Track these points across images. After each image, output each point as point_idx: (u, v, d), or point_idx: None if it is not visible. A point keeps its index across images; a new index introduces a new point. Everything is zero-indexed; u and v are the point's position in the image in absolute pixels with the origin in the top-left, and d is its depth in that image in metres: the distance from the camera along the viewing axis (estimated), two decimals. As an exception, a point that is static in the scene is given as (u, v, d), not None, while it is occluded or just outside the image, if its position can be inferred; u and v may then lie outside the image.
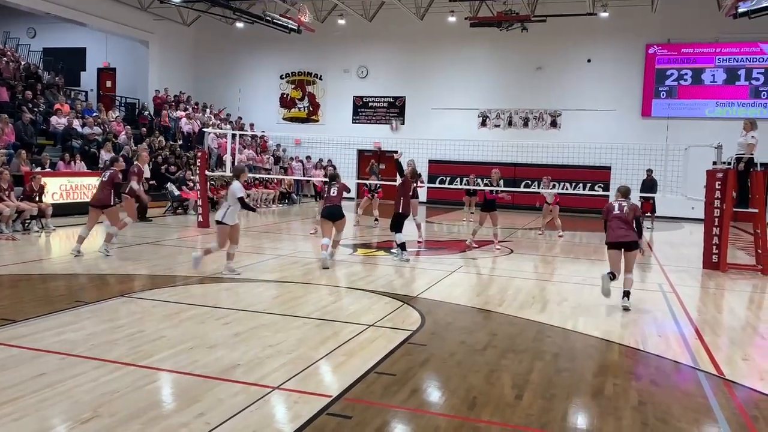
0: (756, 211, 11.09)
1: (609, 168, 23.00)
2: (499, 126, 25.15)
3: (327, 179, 10.73)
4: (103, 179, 10.25)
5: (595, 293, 8.80)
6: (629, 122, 23.39)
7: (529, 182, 23.60)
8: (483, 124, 25.31)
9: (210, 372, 4.88)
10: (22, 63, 21.59)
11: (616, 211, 7.99)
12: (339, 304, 7.50)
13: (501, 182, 13.21)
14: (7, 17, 26.46)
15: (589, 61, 23.97)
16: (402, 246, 10.76)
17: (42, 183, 13.09)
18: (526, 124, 24.85)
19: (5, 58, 20.32)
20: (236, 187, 8.80)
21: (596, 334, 6.50)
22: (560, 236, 15.40)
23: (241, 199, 8.79)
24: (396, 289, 8.38)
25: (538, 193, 16.41)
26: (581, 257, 12.83)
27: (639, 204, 17.70)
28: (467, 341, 6.03)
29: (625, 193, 8.15)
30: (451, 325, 6.67)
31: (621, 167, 22.37)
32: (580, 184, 23.44)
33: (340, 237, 10.39)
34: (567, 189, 23.14)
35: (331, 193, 10.14)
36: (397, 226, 10.82)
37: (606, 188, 23.04)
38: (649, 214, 18.70)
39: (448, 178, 24.90)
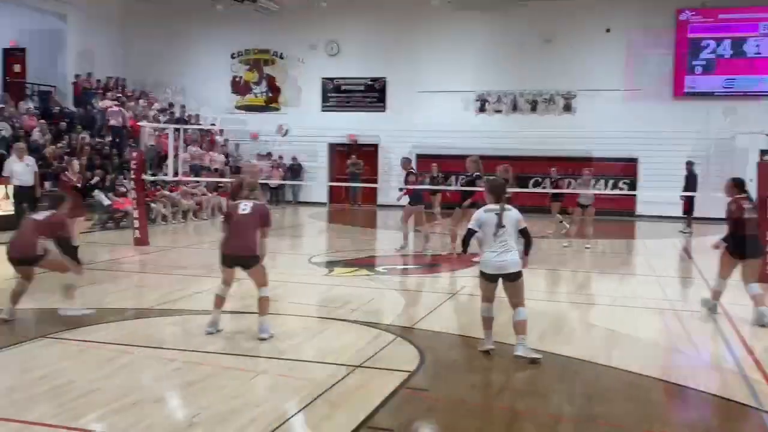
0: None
1: (635, 160, 23.19)
2: (500, 111, 25.20)
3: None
4: (38, 218, 8.38)
5: (629, 317, 8.80)
6: (659, 104, 23.50)
7: (540, 179, 23.65)
8: (481, 109, 25.37)
9: (159, 434, 4.76)
10: None
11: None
12: (316, 339, 7.40)
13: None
14: None
15: (608, 31, 24.07)
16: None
17: None
18: (534, 109, 24.93)
19: None
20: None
21: (634, 369, 6.48)
22: (588, 247, 15.05)
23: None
24: (385, 319, 8.30)
25: (552, 193, 16.48)
26: (608, 271, 12.87)
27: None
28: (478, 383, 5.97)
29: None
30: (457, 363, 6.61)
31: (650, 159, 22.65)
32: (601, 181, 23.54)
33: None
34: (594, 186, 23.26)
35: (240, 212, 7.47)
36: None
37: (632, 185, 23.19)
38: (685, 215, 18.86)
39: (440, 176, 24.86)
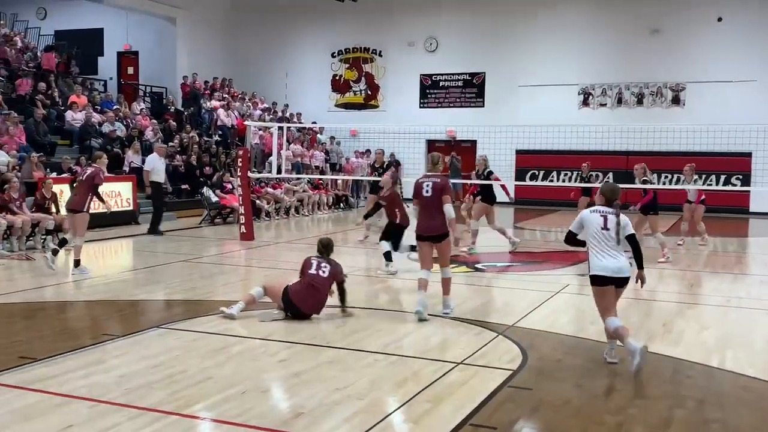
0: None
1: (749, 155, 22.07)
2: (605, 105, 24.64)
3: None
4: (81, 179, 10.66)
5: (743, 318, 8.42)
6: (775, 96, 22.43)
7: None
8: (585, 103, 24.85)
9: (267, 423, 4.89)
10: (32, 48, 22.62)
11: None
12: (417, 335, 7.43)
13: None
14: (14, -4, 27.79)
15: (720, 19, 23.17)
16: (387, 256, 11.06)
17: (53, 190, 13.50)
18: (640, 102, 24.25)
19: (12, 46, 21.26)
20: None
21: (750, 373, 6.22)
22: (702, 245, 14.73)
23: None
24: (486, 316, 8.25)
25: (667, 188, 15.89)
26: (720, 270, 12.36)
27: None
28: (584, 384, 5.84)
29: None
30: (562, 363, 6.49)
31: (765, 153, 21.51)
32: (712, 176, 22.62)
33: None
34: (697, 182, 22.37)
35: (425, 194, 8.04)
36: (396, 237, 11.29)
37: (746, 180, 22.19)
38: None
39: (542, 173, 24.50)
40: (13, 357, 6.25)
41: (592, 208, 6.59)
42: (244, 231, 14.67)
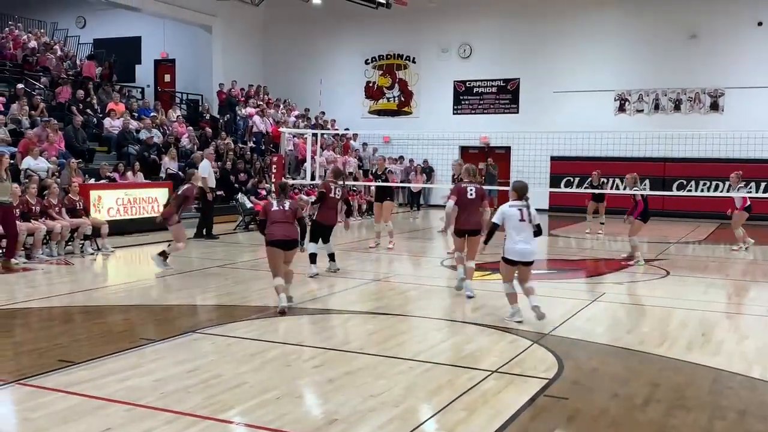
0: None
1: (791, 161, 21.67)
2: (642, 111, 24.35)
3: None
4: (285, 209, 10.38)
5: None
6: (817, 101, 21.99)
7: (684, 182, 22.63)
8: (621, 109, 24.58)
9: (301, 429, 4.90)
10: (71, 57, 23.07)
11: None
12: (451, 342, 7.40)
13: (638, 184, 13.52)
14: (54, 6, 28.32)
15: (760, 24, 22.79)
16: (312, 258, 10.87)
17: (77, 191, 13.61)
18: (677, 108, 23.91)
19: (53, 55, 21.69)
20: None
21: (793, 385, 6.07)
22: (734, 250, 14.92)
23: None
24: (521, 324, 8.17)
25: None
26: (760, 279, 12.12)
27: None
28: (621, 393, 5.76)
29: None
30: (598, 372, 6.41)
31: (807, 160, 21.12)
32: (752, 183, 22.17)
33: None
34: (741, 190, 21.97)
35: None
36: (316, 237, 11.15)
37: (788, 188, 21.75)
38: None
39: (577, 179, 24.26)
40: (52, 360, 6.36)
41: (510, 203, 8.14)
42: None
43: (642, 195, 13.12)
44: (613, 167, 21.44)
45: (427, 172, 26.12)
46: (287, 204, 8.81)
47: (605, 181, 20.09)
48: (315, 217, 11.54)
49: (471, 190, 9.46)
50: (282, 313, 8.26)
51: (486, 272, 11.93)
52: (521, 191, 8.12)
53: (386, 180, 15.70)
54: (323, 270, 11.12)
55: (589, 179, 19.46)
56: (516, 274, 8.12)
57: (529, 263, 8.05)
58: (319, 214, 11.28)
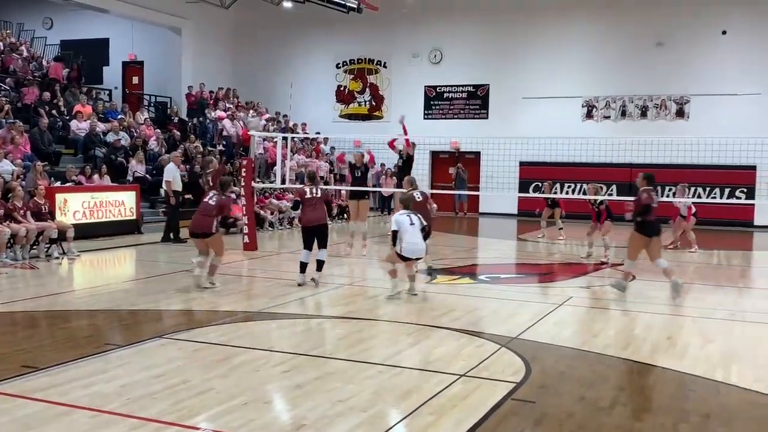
0: None
1: (753, 168, 22.05)
2: (609, 117, 24.63)
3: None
4: (210, 203, 10.28)
5: (748, 332, 8.39)
6: (779, 109, 22.41)
7: (650, 188, 22.90)
8: (589, 115, 24.84)
9: (269, 435, 4.87)
10: (38, 58, 22.72)
11: None
12: (419, 347, 7.40)
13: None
14: (20, 6, 27.88)
15: (724, 33, 23.17)
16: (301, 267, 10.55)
17: (43, 194, 13.36)
18: (644, 114, 24.23)
19: (19, 56, 21.35)
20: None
21: (756, 388, 6.16)
22: (692, 252, 15.55)
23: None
24: (489, 328, 8.22)
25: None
26: (724, 284, 12.31)
27: None
28: (588, 397, 5.80)
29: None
30: (565, 376, 6.46)
31: (770, 167, 21.54)
32: (717, 189, 22.60)
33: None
34: (700, 196, 22.33)
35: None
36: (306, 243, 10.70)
37: (750, 194, 22.15)
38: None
39: (545, 185, 24.42)
40: (15, 366, 6.24)
41: (400, 212, 9.92)
42: (248, 241, 14.66)
43: (606, 205, 13.79)
44: (581, 173, 21.73)
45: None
46: (215, 199, 10.13)
47: (556, 190, 20.65)
48: (300, 222, 11.31)
49: (418, 194, 11.33)
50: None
51: (455, 276, 12.00)
52: (406, 203, 10.22)
53: (366, 172, 15.63)
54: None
55: (542, 188, 19.66)
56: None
57: (419, 258, 9.90)
58: (302, 218, 10.93)
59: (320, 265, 10.60)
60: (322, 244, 10.67)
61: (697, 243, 15.71)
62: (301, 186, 11.45)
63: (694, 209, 15.92)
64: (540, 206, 18.25)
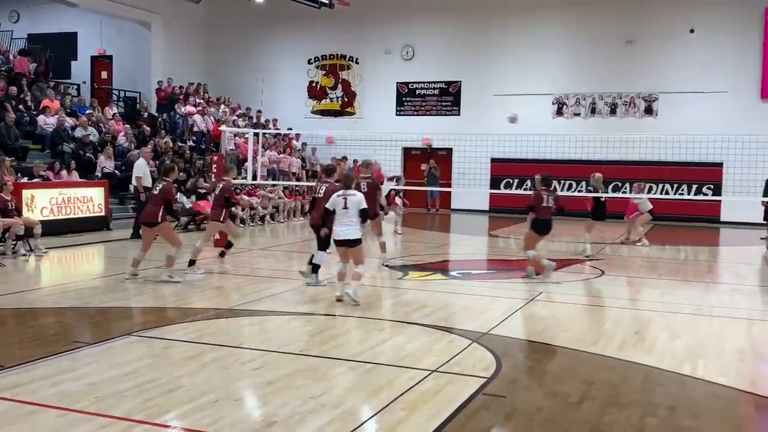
0: None
1: (720, 165, 22.42)
2: (579, 114, 24.84)
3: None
4: (154, 192, 10.62)
5: (714, 327, 8.53)
6: (745, 107, 22.74)
7: (619, 184, 23.14)
8: (559, 112, 25.03)
9: (240, 431, 4.85)
10: (4, 52, 22.34)
11: None
12: (391, 343, 7.41)
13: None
14: (-15, -1, 27.40)
15: (692, 31, 23.45)
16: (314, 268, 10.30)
17: (10, 190, 13.12)
18: (613, 112, 24.47)
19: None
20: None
21: (722, 381, 6.26)
22: (639, 244, 16.30)
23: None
24: (460, 324, 8.26)
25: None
26: (691, 279, 12.49)
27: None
28: (558, 392, 5.86)
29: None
30: (535, 371, 6.52)
31: (735, 164, 21.85)
32: (684, 186, 22.92)
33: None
34: (668, 192, 22.65)
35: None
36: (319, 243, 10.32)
37: (717, 190, 22.50)
38: (766, 221, 18.12)
39: (516, 181, 24.63)
40: (-20, 365, 6.15)
41: (338, 192, 9.15)
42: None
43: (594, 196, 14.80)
44: (551, 169, 21.76)
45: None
46: (159, 186, 10.36)
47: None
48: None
49: (363, 185, 11.52)
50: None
51: (427, 272, 12.03)
52: (347, 181, 9.45)
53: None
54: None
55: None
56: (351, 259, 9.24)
57: (353, 244, 9.09)
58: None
59: (316, 267, 10.32)
60: (323, 246, 10.25)
61: (646, 237, 16.48)
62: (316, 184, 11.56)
63: (650, 206, 16.67)
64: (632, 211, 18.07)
